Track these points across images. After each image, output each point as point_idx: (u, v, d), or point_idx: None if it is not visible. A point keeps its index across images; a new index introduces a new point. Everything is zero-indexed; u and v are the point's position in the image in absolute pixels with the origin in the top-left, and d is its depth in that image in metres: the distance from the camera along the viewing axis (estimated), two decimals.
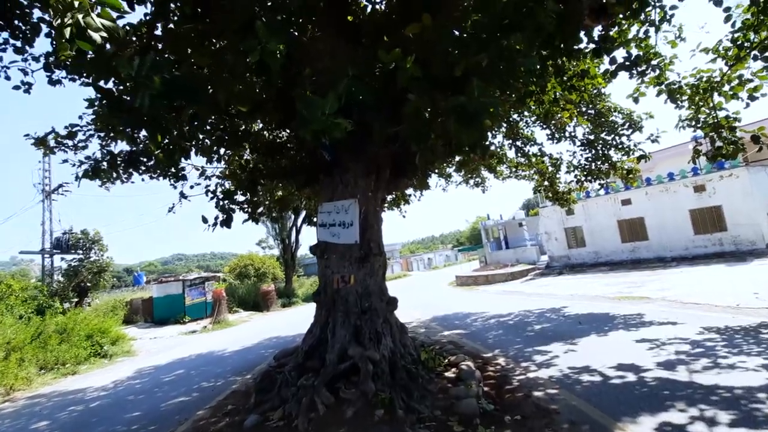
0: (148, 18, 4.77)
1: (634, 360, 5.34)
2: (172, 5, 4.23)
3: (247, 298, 24.86)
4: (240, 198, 7.55)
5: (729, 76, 6.90)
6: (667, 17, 6.68)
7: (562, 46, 5.19)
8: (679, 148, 23.26)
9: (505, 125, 11.56)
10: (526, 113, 11.45)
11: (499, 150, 12.71)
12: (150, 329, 18.90)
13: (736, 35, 6.37)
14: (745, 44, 6.33)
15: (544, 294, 14.71)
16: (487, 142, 11.31)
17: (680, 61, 7.32)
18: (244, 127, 7.06)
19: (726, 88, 6.99)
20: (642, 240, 20.53)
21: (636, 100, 7.98)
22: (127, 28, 4.83)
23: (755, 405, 3.56)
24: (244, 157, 8.37)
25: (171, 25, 3.71)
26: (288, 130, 7.74)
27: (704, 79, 7.28)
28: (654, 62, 7.08)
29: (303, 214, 22.31)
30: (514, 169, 13.49)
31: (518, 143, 12.28)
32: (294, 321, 16.21)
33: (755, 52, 6.21)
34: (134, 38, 4.38)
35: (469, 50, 3.70)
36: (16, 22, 5.57)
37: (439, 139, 4.83)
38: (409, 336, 6.07)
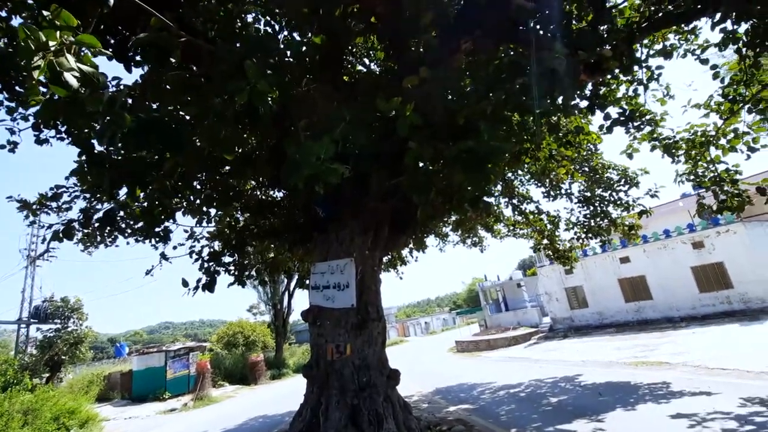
0: (143, 79, 4.68)
1: None
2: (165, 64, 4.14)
3: (234, 369, 23.13)
4: (227, 259, 7.08)
5: (724, 129, 6.92)
6: (655, 76, 6.84)
7: (560, 100, 5.18)
8: (671, 205, 23.58)
9: (501, 183, 11.54)
10: (520, 171, 11.51)
11: (495, 208, 12.59)
12: (126, 407, 17.19)
13: (726, 90, 6.48)
14: (737, 98, 6.40)
15: (553, 360, 13.74)
16: (491, 198, 11.23)
17: (671, 117, 7.39)
18: (235, 185, 6.82)
19: (723, 141, 6.98)
20: (646, 299, 19.86)
21: (630, 156, 7.96)
22: (122, 87, 4.72)
23: None
24: (234, 216, 8.05)
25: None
26: (281, 190, 7.51)
27: (699, 133, 7.31)
28: (647, 117, 7.15)
29: (296, 277, 21.59)
30: (511, 228, 13.30)
31: (514, 201, 12.20)
32: (283, 396, 14.83)
33: (749, 105, 6.27)
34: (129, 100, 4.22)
35: (470, 99, 3.55)
36: (16, 87, 5.49)
37: (439, 195, 4.56)
38: (414, 416, 5.29)
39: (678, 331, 15.32)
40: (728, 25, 5.54)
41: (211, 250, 7.25)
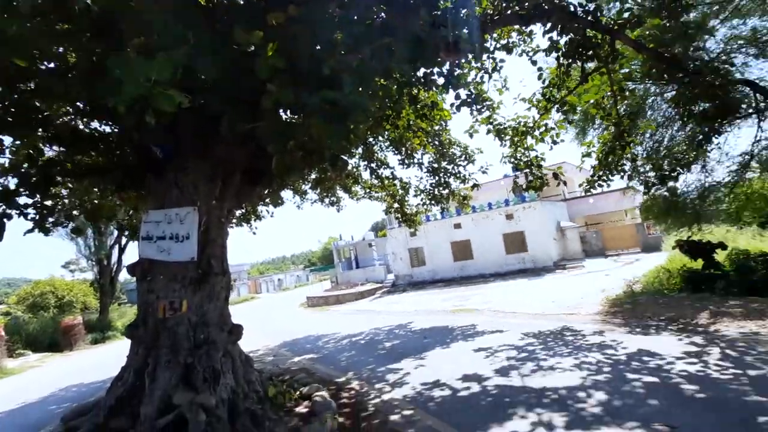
0: None
1: (476, 369, 5.75)
2: None
3: (42, 335, 19.05)
4: (25, 200, 5.56)
5: (538, 123, 8.47)
6: (498, 68, 7.81)
7: (421, 72, 5.52)
8: (495, 183, 28.12)
9: (362, 146, 11.84)
10: (380, 138, 11.98)
11: (355, 170, 12.96)
12: None
13: (545, 91, 7.87)
14: (551, 99, 7.86)
15: (392, 311, 15.36)
16: (352, 158, 11.38)
17: (505, 107, 8.69)
18: (42, 107, 5.27)
19: (537, 133, 8.56)
20: (469, 259, 23.75)
21: (471, 136, 9.10)
22: None
23: (580, 405, 4.09)
24: (39, 148, 6.28)
25: None
26: (108, 122, 6.16)
27: (522, 123, 8.76)
28: (487, 103, 8.21)
29: (128, 228, 18.51)
30: (368, 191, 13.90)
31: (373, 165, 12.72)
32: (107, 362, 12.96)
33: (557, 105, 7.77)
34: None
35: (338, 50, 3.46)
36: None
37: (299, 148, 4.42)
38: (255, 369, 5.27)
39: (488, 285, 18.83)
40: (554, 35, 6.62)
41: (1, 188, 5.57)
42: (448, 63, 6.81)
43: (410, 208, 14.20)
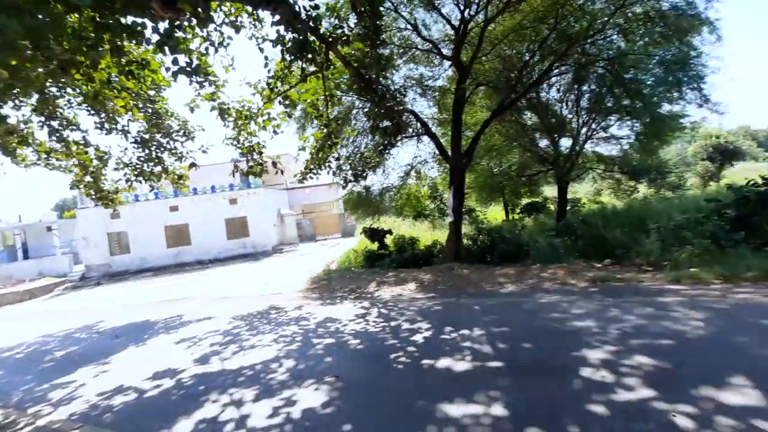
0: None
1: (172, 364, 5.29)
2: None
3: None
4: None
5: (262, 111, 8.68)
6: (225, 44, 7.48)
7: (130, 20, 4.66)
8: (222, 166, 27.08)
9: (37, 95, 8.75)
10: (70, 90, 9.25)
11: (23, 126, 9.49)
12: None
13: (270, 81, 8.12)
14: (275, 89, 8.20)
15: (77, 310, 12.22)
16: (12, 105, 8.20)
17: (231, 87, 8.45)
18: None
19: (260, 120, 8.75)
20: (186, 245, 21.87)
21: (192, 110, 8.39)
22: None
23: (271, 376, 4.41)
24: None
25: None
26: None
27: (246, 108, 8.74)
28: (211, 78, 7.74)
29: None
30: (44, 156, 10.51)
31: (55, 124, 9.67)
32: None
33: (280, 98, 8.19)
34: None
35: None
36: None
37: None
38: None
39: (206, 271, 17.94)
40: (282, 29, 6.89)
41: None
42: (167, 22, 5.99)
43: (110, 183, 11.66)
